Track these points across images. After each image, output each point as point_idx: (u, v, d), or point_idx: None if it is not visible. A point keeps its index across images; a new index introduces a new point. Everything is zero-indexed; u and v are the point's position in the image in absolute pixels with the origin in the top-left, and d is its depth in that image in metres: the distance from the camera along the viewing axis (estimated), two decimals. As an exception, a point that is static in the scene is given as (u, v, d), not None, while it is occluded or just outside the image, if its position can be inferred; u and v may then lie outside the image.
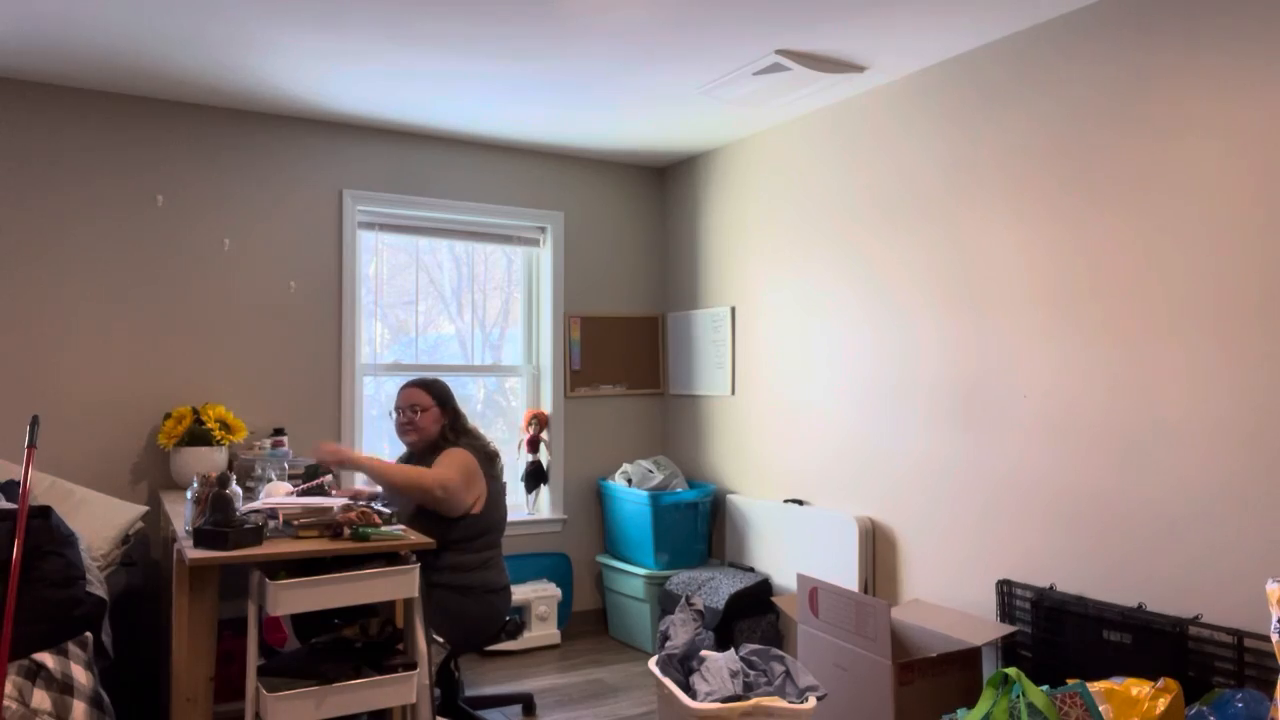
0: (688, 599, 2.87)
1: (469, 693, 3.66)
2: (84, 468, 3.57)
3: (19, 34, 3.06)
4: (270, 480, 3.26)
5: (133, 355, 3.67)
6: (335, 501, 2.65)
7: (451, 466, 3.06)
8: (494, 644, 3.30)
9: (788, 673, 2.60)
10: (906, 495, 3.43)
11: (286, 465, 3.53)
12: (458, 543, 3.09)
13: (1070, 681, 2.37)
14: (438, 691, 3.34)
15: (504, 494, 3.30)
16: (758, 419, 4.22)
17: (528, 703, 3.51)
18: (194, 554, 2.32)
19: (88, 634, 2.42)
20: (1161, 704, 2.17)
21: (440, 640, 3.02)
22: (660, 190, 4.96)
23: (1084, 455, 2.82)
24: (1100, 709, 2.24)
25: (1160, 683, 2.23)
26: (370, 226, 4.24)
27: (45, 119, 3.54)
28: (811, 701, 2.51)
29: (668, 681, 2.61)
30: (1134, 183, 2.70)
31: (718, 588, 3.83)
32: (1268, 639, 2.34)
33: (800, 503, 3.92)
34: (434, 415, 3.24)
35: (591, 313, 4.72)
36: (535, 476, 4.51)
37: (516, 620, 3.33)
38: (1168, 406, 2.61)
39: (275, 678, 2.38)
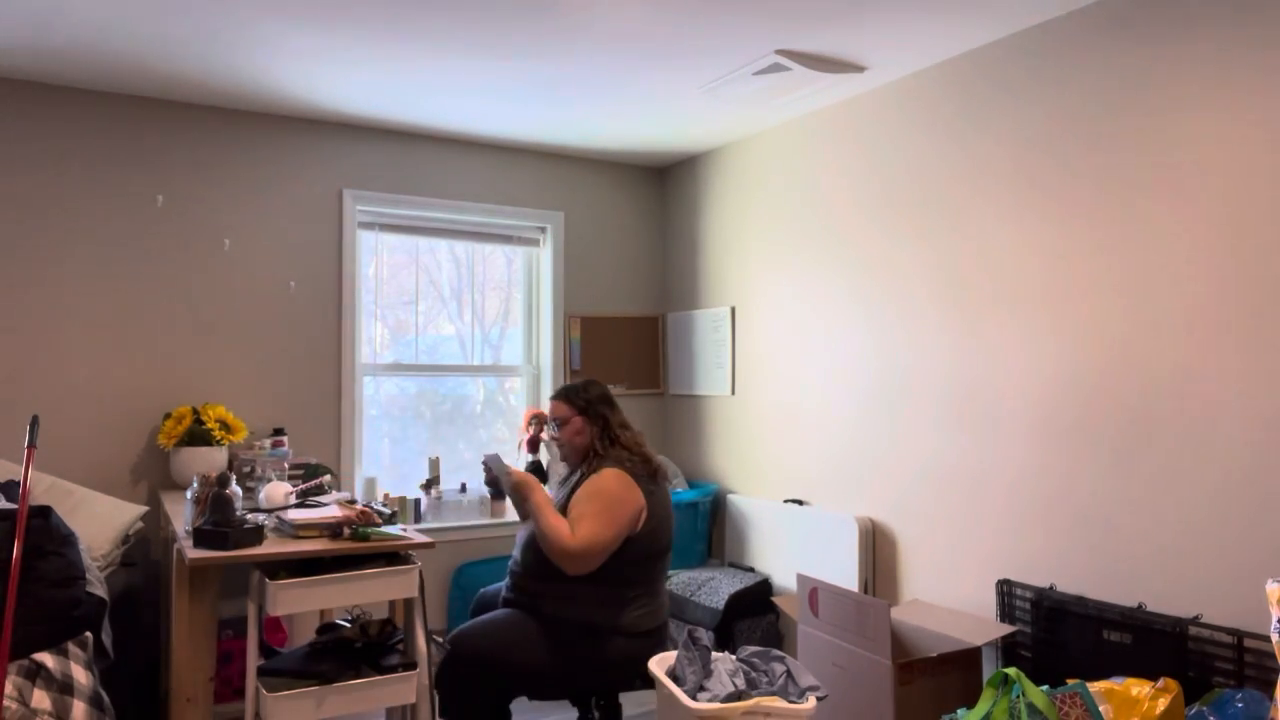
0: (691, 634, 2.63)
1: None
2: (84, 468, 3.57)
3: (19, 34, 3.06)
4: (270, 480, 3.26)
5: (132, 355, 3.66)
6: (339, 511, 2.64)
7: (596, 517, 2.58)
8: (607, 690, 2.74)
9: (788, 673, 2.60)
10: (907, 495, 3.43)
11: (286, 465, 3.53)
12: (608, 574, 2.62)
13: (1070, 681, 2.37)
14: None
15: (669, 519, 2.77)
16: (758, 419, 4.22)
17: None
18: (194, 554, 2.32)
19: (88, 634, 2.42)
20: (1161, 704, 2.17)
21: (440, 640, 3.01)
22: (660, 190, 4.96)
23: (1084, 455, 2.82)
24: (1100, 709, 2.24)
25: (1160, 683, 2.23)
26: (370, 226, 4.24)
27: (45, 119, 3.54)
28: (811, 701, 2.50)
29: (668, 681, 2.61)
30: (1133, 183, 2.70)
31: (718, 588, 3.83)
32: (1268, 639, 2.34)
33: (800, 503, 3.92)
34: (577, 426, 2.84)
35: (591, 313, 4.72)
36: (536, 476, 4.50)
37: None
38: (1168, 405, 2.61)
39: (275, 678, 2.38)
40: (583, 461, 2.87)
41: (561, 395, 2.91)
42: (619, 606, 2.65)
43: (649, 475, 2.76)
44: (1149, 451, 2.65)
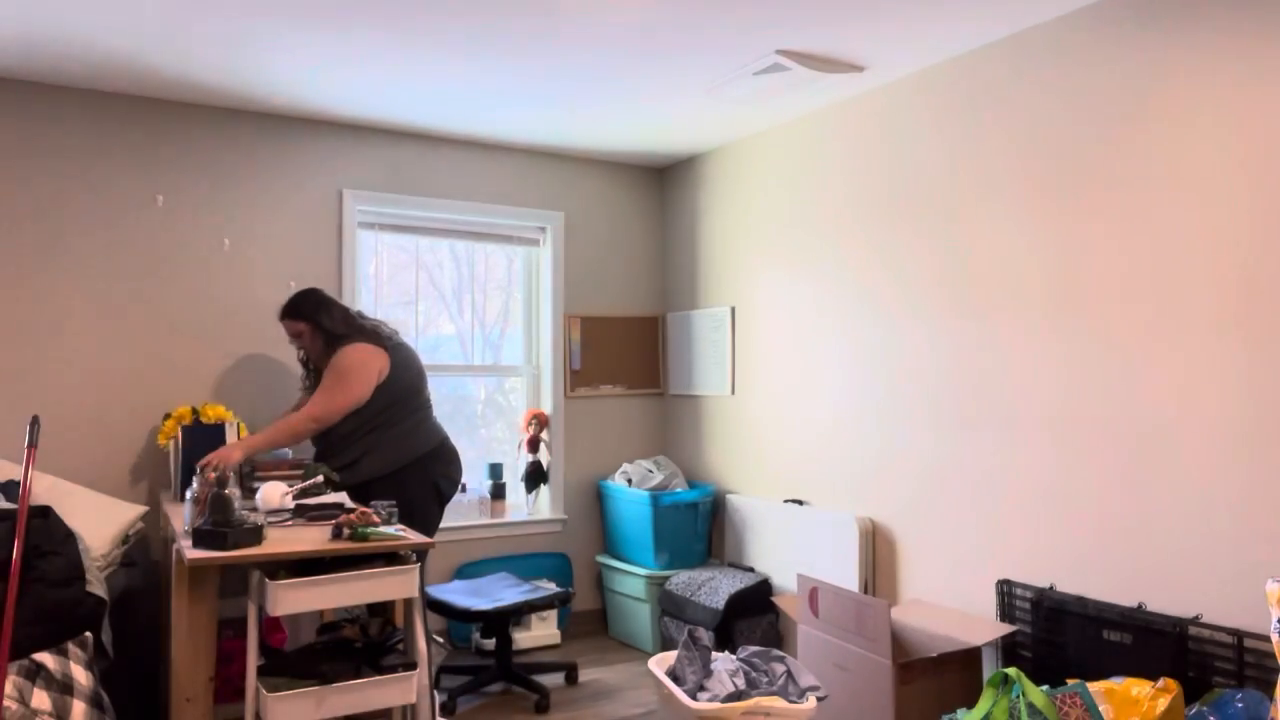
0: (691, 634, 2.73)
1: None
2: (84, 468, 3.57)
3: (19, 34, 3.06)
4: (268, 481, 3.25)
5: (133, 355, 3.66)
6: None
7: (324, 387, 3.18)
8: (449, 499, 3.44)
9: (788, 673, 2.60)
10: (906, 495, 3.43)
11: (286, 465, 3.52)
12: (375, 420, 3.23)
13: (1070, 681, 2.38)
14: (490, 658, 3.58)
15: (413, 357, 3.38)
16: (758, 419, 4.22)
17: (571, 671, 3.81)
18: (193, 554, 2.32)
19: (88, 634, 2.42)
20: (1161, 704, 2.17)
21: (440, 640, 3.01)
22: (660, 190, 4.96)
23: (1084, 455, 2.82)
24: (1100, 709, 2.24)
25: (1160, 683, 2.23)
26: (370, 226, 4.24)
27: (45, 119, 3.54)
28: (811, 701, 2.51)
29: (668, 681, 2.61)
30: (1133, 183, 2.70)
31: (718, 588, 3.83)
32: (1268, 639, 2.34)
33: (800, 503, 3.92)
34: (309, 332, 3.34)
35: (591, 313, 4.72)
36: (535, 476, 4.50)
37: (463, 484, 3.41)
38: (1168, 406, 2.61)
39: (275, 678, 2.38)
40: (327, 354, 3.33)
41: (287, 314, 3.36)
42: (405, 439, 3.27)
43: (386, 337, 3.33)
44: (1150, 451, 2.65)
